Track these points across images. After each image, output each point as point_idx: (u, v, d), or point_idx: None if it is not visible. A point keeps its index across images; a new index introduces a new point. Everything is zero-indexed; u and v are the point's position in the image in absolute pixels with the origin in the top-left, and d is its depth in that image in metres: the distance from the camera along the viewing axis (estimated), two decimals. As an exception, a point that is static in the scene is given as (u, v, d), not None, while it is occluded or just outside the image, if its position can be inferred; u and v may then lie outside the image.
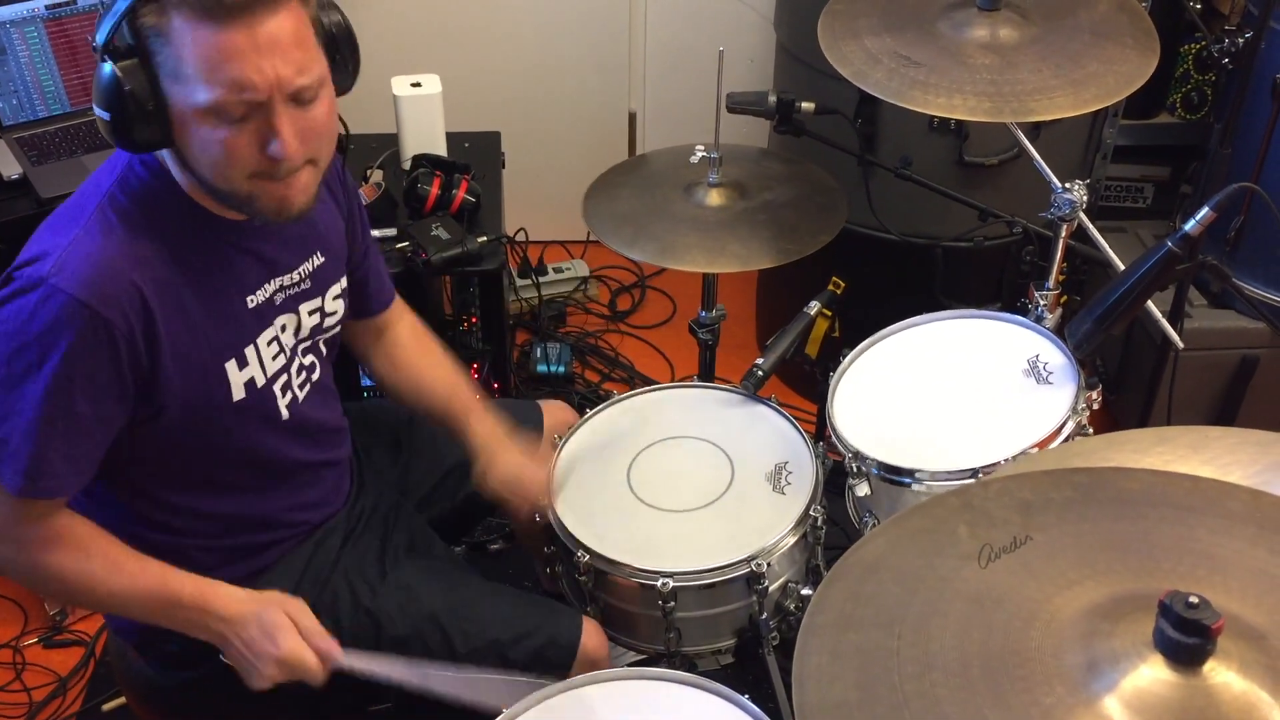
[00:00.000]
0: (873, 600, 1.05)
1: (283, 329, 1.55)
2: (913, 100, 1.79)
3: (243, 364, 1.48)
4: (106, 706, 2.30)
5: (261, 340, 1.51)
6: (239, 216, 1.44)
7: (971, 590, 1.03)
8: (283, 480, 1.61)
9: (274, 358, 1.53)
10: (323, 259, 1.59)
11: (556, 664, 1.62)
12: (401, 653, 1.58)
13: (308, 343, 1.61)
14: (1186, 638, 0.90)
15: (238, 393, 1.48)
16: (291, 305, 1.56)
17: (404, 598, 1.64)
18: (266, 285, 1.51)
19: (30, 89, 2.46)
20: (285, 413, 1.56)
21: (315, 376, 1.63)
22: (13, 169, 2.38)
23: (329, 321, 1.63)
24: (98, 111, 1.31)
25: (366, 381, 2.57)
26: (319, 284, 1.59)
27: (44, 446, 1.34)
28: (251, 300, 1.49)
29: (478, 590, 1.69)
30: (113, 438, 1.40)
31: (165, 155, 1.39)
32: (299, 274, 1.55)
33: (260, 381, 1.51)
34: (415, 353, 1.83)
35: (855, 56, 1.88)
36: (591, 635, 1.67)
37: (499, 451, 1.75)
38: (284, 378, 1.56)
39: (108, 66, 1.28)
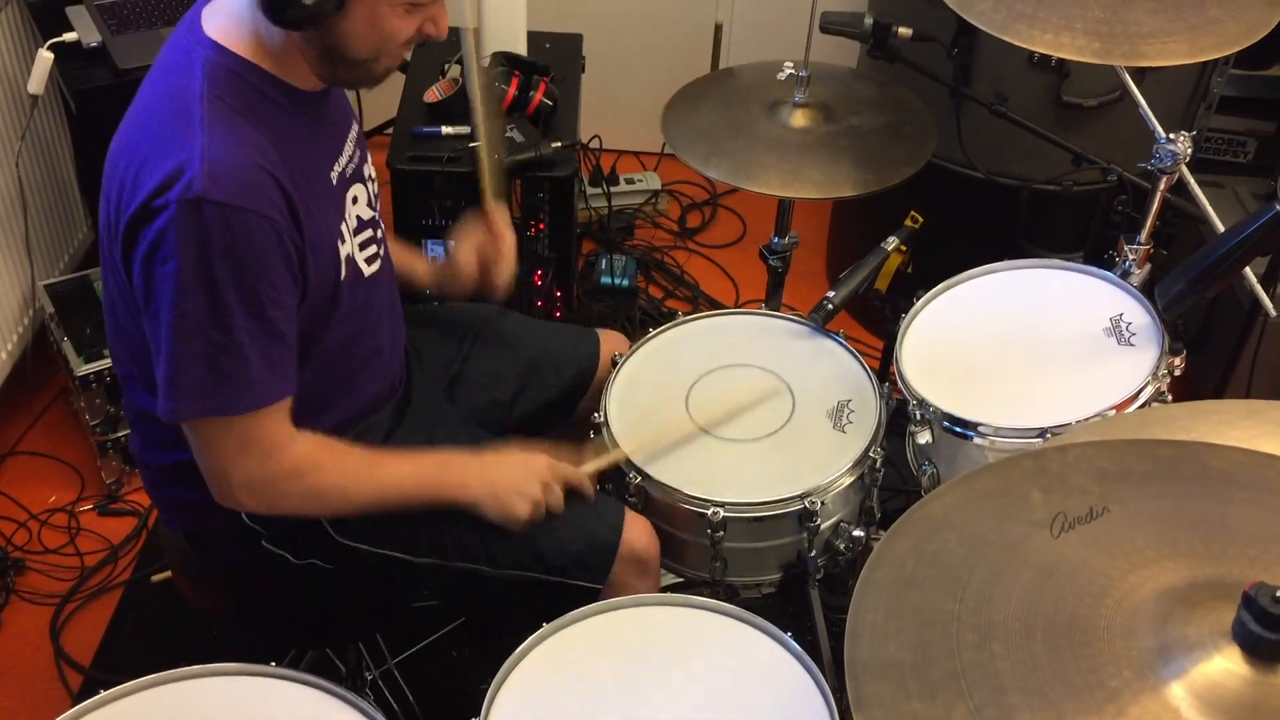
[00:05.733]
0: (936, 560, 1.02)
1: (354, 200, 1.53)
2: (1017, 34, 1.69)
3: (341, 239, 1.47)
4: (155, 578, 2.34)
5: (348, 214, 1.50)
6: (319, 86, 1.43)
7: (1042, 560, 0.99)
8: (353, 367, 1.58)
9: (354, 231, 1.52)
10: (355, 127, 1.59)
11: (596, 567, 1.58)
12: (440, 556, 1.57)
13: (378, 213, 1.60)
14: (1270, 633, 0.86)
15: (343, 269, 1.47)
16: (358, 175, 1.54)
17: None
18: (339, 156, 1.50)
19: (112, -44, 2.42)
20: (365, 290, 1.54)
21: (383, 251, 1.61)
22: (92, 36, 2.35)
23: (375, 190, 1.62)
24: None
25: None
26: (362, 151, 1.58)
27: (253, 359, 1.33)
28: (333, 174, 1.48)
29: None
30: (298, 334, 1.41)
31: (243, 36, 1.35)
32: (351, 141, 1.54)
33: (355, 258, 1.50)
34: None
35: (961, -18, 1.79)
36: (640, 534, 1.62)
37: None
38: (371, 248, 1.55)
39: None
